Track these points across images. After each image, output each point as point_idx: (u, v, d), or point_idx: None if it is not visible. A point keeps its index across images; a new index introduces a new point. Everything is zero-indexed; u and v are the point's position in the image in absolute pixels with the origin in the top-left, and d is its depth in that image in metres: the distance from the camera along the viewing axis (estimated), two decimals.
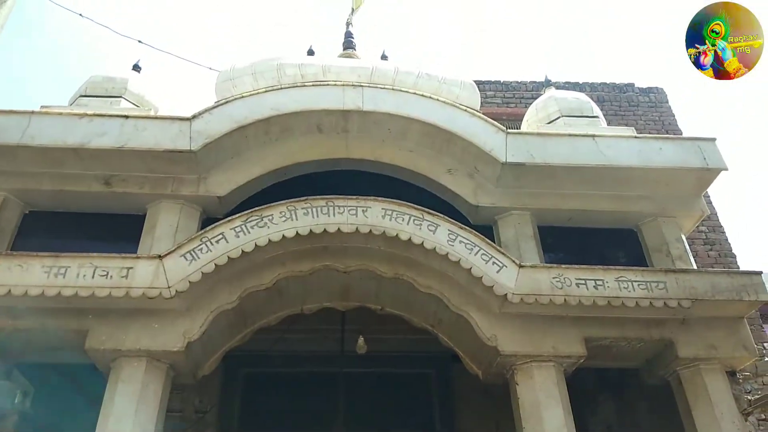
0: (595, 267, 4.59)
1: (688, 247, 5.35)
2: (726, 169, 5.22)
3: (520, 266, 4.54)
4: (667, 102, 9.74)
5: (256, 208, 4.56)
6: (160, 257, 4.26)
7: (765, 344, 6.47)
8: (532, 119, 6.56)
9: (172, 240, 4.62)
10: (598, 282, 4.45)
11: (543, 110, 6.46)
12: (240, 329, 4.79)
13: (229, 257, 4.31)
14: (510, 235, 5.10)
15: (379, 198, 4.71)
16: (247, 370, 6.61)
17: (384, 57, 7.48)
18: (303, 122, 5.27)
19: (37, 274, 4.09)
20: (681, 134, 8.93)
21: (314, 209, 4.61)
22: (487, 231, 5.14)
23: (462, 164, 5.36)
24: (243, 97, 5.26)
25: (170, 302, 4.16)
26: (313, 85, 5.44)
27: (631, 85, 9.92)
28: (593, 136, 5.36)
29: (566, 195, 5.26)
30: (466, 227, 4.72)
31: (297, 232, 4.48)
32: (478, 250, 4.57)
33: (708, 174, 5.25)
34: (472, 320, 4.57)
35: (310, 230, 4.51)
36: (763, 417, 5.38)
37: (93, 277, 4.09)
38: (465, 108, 5.47)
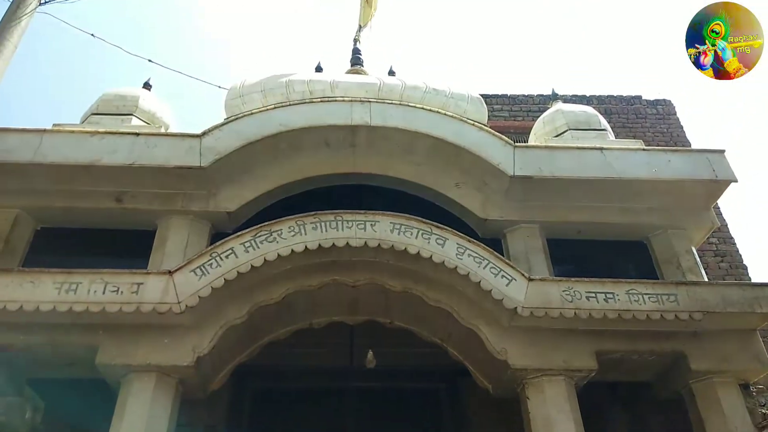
0: (605, 280, 4.57)
1: (698, 259, 5.31)
2: (735, 181, 5.20)
3: (530, 279, 4.53)
4: (675, 114, 9.73)
5: (266, 223, 4.59)
6: (170, 273, 4.28)
7: None
8: (539, 132, 6.58)
9: (182, 255, 4.65)
10: (608, 295, 4.42)
11: (550, 123, 6.47)
12: (249, 344, 4.80)
13: (238, 272, 4.33)
14: (519, 248, 5.10)
15: (388, 212, 4.72)
16: (256, 384, 6.58)
17: (391, 73, 7.54)
18: (311, 138, 5.31)
19: (48, 290, 4.12)
20: (689, 146, 8.91)
21: (323, 224, 4.63)
22: (496, 244, 5.14)
23: (470, 178, 5.37)
24: (252, 113, 5.32)
25: (180, 317, 4.18)
26: (321, 101, 5.50)
27: (639, 97, 9.92)
28: (601, 148, 5.37)
29: (575, 208, 5.25)
30: (475, 241, 4.72)
31: (306, 246, 4.50)
32: (487, 264, 4.57)
33: (717, 186, 5.23)
34: (482, 334, 4.55)
35: (319, 245, 4.53)
36: None
37: (104, 292, 4.12)
38: (472, 122, 5.50)
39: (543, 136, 6.41)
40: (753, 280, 6.88)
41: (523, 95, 9.95)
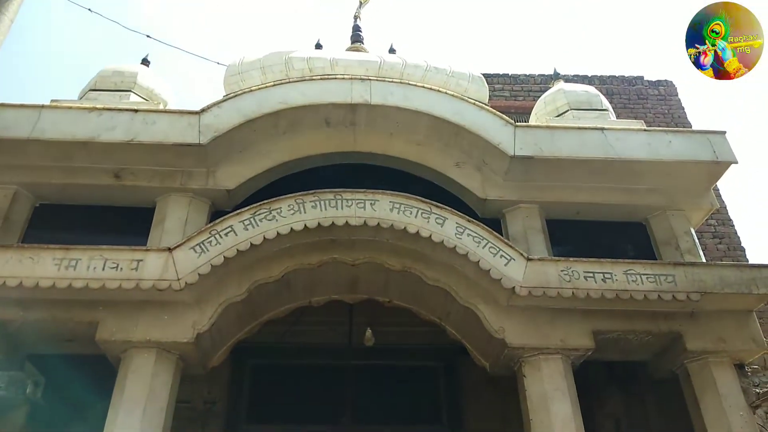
0: (604, 260, 4.58)
1: (697, 240, 5.32)
2: (736, 163, 5.18)
3: (528, 259, 4.54)
4: (676, 95, 9.68)
5: (265, 201, 4.58)
6: (169, 250, 4.29)
7: None
8: (540, 112, 6.54)
9: (181, 233, 4.66)
10: (606, 275, 4.44)
11: (552, 103, 6.43)
12: (249, 321, 4.82)
13: (238, 250, 4.33)
14: (518, 228, 5.10)
15: (387, 191, 4.72)
16: (256, 361, 6.64)
17: (392, 50, 7.47)
18: (311, 116, 5.28)
19: (48, 267, 4.13)
20: (690, 127, 8.88)
21: (322, 202, 4.62)
22: (495, 224, 5.14)
23: (470, 157, 5.36)
24: (251, 90, 5.28)
25: (180, 294, 4.20)
26: (321, 79, 5.45)
27: (641, 77, 9.86)
28: (602, 129, 5.34)
29: (575, 188, 5.25)
30: (474, 220, 4.72)
31: (305, 225, 4.50)
32: (486, 243, 4.58)
33: (717, 167, 5.22)
34: (480, 313, 4.57)
35: (318, 223, 4.53)
36: None
37: (103, 269, 4.13)
38: (473, 101, 5.47)
39: (544, 116, 6.37)
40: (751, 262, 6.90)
41: (525, 75, 9.89)
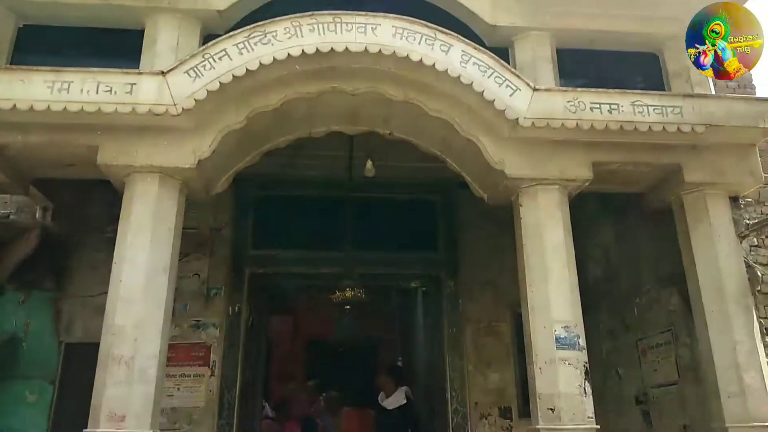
0: (611, 91, 4.45)
1: None
2: None
3: (534, 89, 4.40)
4: None
5: (259, 24, 4.32)
6: (163, 73, 4.13)
7: None
8: None
9: (173, 56, 4.46)
10: (612, 106, 4.34)
11: None
12: (249, 151, 4.82)
13: (233, 75, 4.18)
14: (527, 57, 4.89)
15: (390, 14, 4.43)
16: (259, 192, 6.82)
17: None
18: None
19: (40, 89, 4.01)
20: None
21: (320, 26, 4.36)
22: (503, 53, 4.91)
23: None
24: None
25: (177, 120, 4.13)
26: None
27: None
28: None
29: (589, 15, 4.93)
30: (481, 48, 4.50)
31: (303, 50, 4.29)
32: (492, 73, 4.41)
33: None
34: (481, 144, 4.55)
35: (317, 49, 4.31)
36: (756, 243, 5.57)
37: (97, 92, 4.01)
38: None
39: None
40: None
41: None
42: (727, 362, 4.24)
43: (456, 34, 4.45)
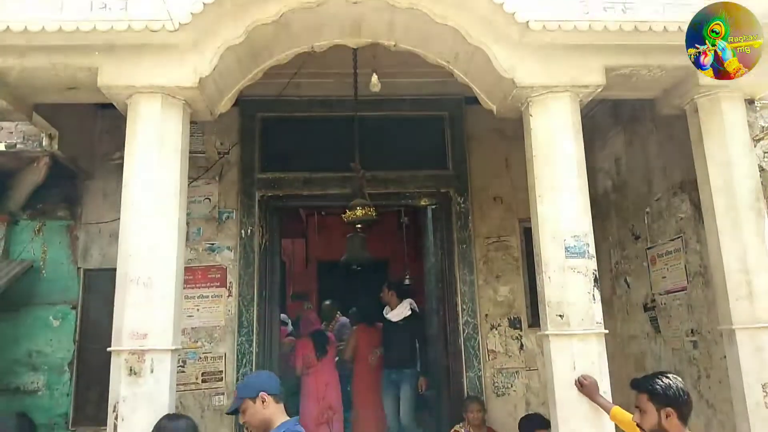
0: None
1: None
2: None
3: None
4: None
5: None
6: None
7: None
8: None
9: None
10: (627, 5, 4.14)
11: None
12: (251, 68, 4.69)
13: None
14: None
15: None
16: (263, 114, 6.74)
17: None
18: None
19: (33, 9, 3.87)
20: None
21: None
22: None
23: None
24: None
25: (175, 36, 4.00)
26: None
27: None
28: None
29: None
30: None
31: None
32: None
33: None
34: (490, 52, 4.38)
35: None
36: None
37: (91, 9, 3.87)
38: None
39: None
40: None
41: None
42: (736, 266, 4.25)
43: None
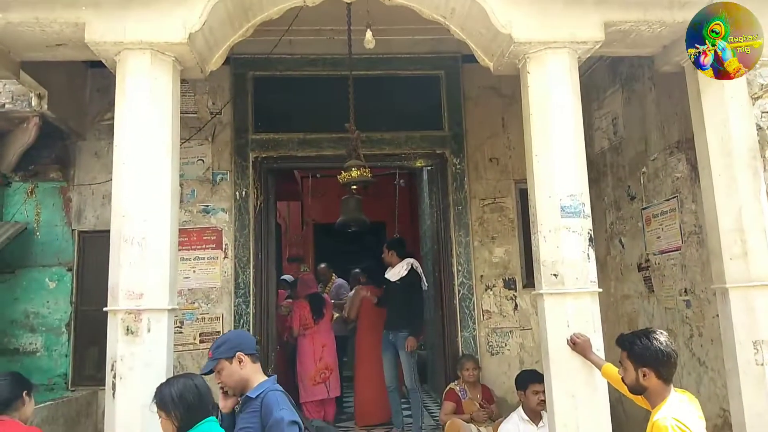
0: None
1: None
2: None
3: None
4: None
5: None
6: None
7: None
8: None
9: None
10: None
11: None
12: (242, 23, 4.56)
13: None
14: None
15: None
16: (256, 73, 6.62)
17: None
18: None
19: None
20: None
21: None
22: None
23: None
24: None
25: None
26: None
27: None
28: None
29: None
30: None
31: None
32: None
33: None
34: (487, 6, 4.27)
35: None
36: None
37: None
38: None
39: None
40: None
41: None
42: (731, 225, 4.25)
43: None
